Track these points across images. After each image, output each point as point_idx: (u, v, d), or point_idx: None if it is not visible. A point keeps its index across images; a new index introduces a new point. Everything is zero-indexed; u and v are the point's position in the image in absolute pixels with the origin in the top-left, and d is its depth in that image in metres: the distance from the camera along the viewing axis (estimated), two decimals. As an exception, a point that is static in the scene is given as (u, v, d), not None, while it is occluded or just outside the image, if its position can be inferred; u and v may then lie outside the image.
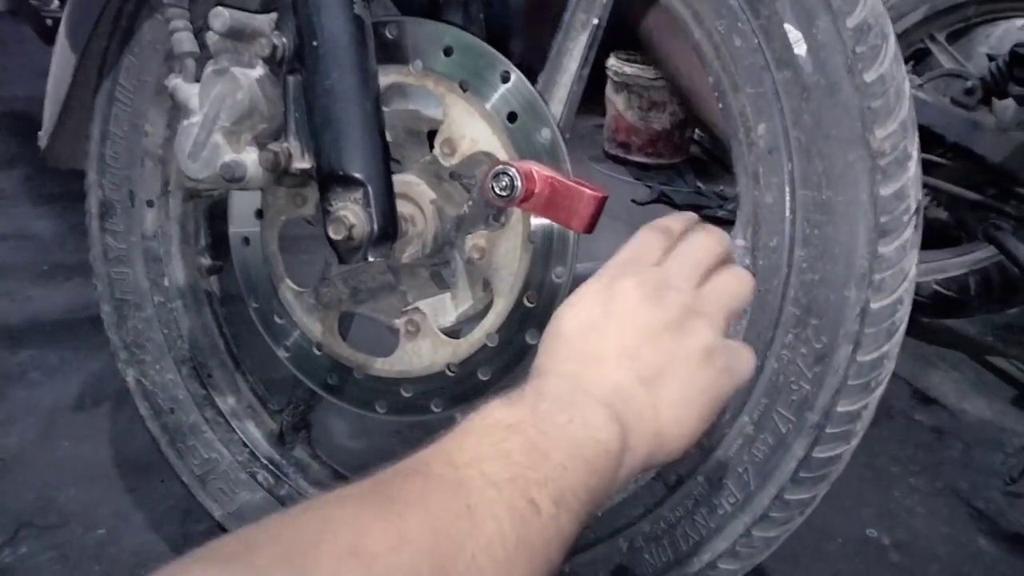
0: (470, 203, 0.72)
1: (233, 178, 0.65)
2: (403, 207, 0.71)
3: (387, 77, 0.71)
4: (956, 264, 1.73)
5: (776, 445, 0.66)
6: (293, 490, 0.93)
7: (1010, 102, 1.59)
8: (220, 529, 0.94)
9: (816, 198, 0.62)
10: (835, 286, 0.62)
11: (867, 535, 1.18)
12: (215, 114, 0.65)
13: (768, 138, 0.63)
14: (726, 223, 0.64)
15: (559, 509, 0.40)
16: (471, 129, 0.69)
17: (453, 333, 0.76)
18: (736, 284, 0.55)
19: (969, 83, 1.59)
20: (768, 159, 0.64)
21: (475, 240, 0.71)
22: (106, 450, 1.20)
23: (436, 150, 0.71)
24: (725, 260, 0.56)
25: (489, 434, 0.42)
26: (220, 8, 0.62)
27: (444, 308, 0.75)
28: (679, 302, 0.51)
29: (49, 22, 1.65)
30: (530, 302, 0.71)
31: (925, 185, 1.62)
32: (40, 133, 0.86)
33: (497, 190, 0.62)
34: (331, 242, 0.64)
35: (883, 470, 1.33)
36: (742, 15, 0.62)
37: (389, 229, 0.66)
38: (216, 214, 0.91)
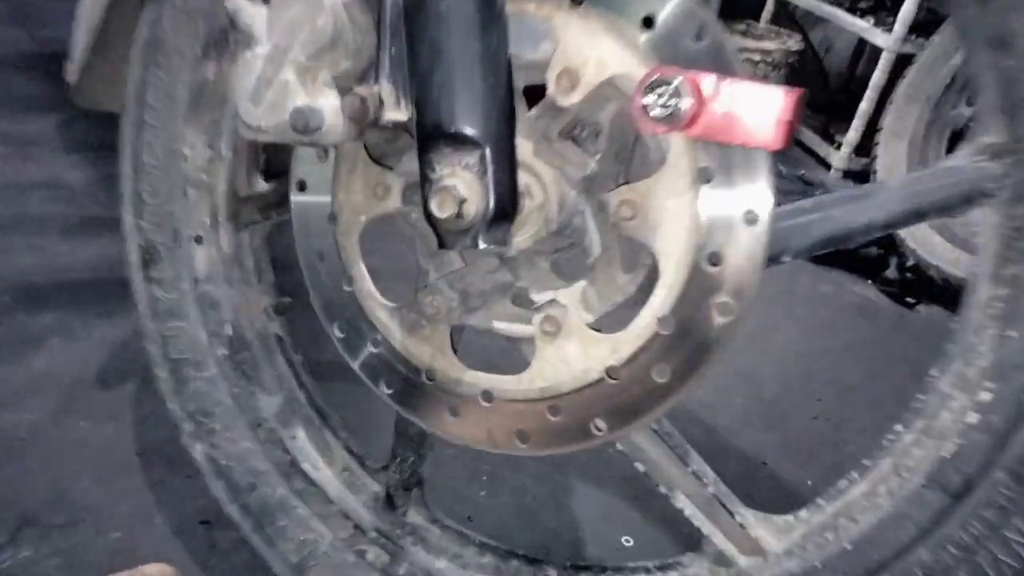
0: (599, 156, 0.55)
1: (306, 128, 0.51)
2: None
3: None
4: None
5: None
6: (414, 568, 0.77)
7: None
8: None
9: None
10: None
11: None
12: (287, 44, 0.51)
13: None
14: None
15: None
16: (595, 49, 0.51)
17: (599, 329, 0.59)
18: None
19: None
20: None
21: (623, 196, 0.52)
22: (129, 435, 1.08)
23: (551, 88, 0.52)
24: None
25: None
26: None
27: (585, 298, 0.57)
28: None
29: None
30: (713, 264, 0.51)
31: None
32: (68, 64, 0.71)
33: (658, 107, 0.46)
34: (432, 221, 0.49)
35: None
36: None
37: (508, 207, 0.50)
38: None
